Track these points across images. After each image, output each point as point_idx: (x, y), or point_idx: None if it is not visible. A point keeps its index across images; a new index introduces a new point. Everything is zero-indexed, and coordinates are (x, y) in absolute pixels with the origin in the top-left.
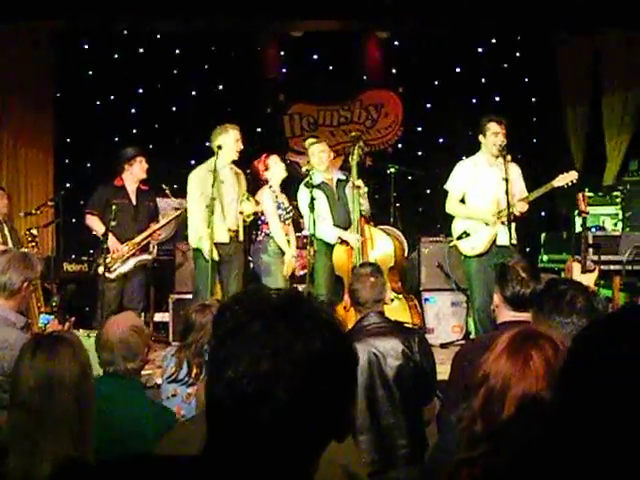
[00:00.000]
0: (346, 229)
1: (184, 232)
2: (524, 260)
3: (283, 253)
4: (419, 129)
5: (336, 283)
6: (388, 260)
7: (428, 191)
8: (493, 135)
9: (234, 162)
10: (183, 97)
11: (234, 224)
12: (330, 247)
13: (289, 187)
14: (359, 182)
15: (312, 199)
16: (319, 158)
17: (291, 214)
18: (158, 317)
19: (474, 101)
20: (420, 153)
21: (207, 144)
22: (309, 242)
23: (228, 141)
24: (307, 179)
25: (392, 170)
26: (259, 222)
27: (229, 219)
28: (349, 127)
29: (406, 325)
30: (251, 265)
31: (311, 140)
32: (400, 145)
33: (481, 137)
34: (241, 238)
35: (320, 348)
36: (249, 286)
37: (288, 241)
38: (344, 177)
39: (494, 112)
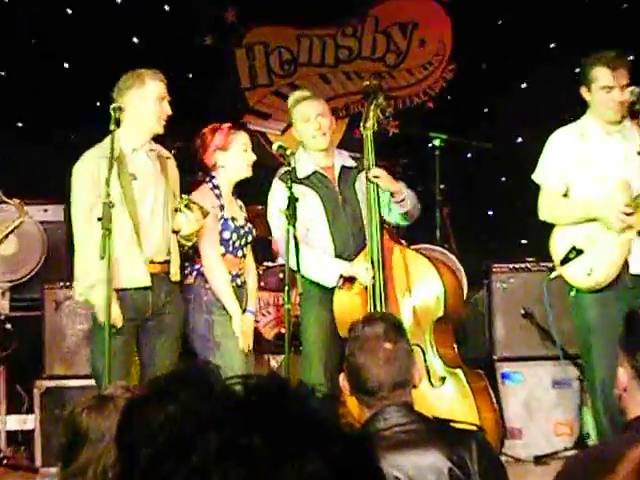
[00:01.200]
0: (357, 254)
1: (60, 268)
2: None
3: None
4: (483, 67)
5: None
6: (433, 307)
7: (503, 179)
8: (603, 90)
9: (157, 139)
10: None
11: (161, 252)
12: (328, 289)
13: (250, 183)
14: (378, 171)
15: (292, 205)
16: (315, 128)
17: (248, 238)
18: (13, 423)
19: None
20: (486, 110)
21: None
22: (287, 280)
23: (143, 99)
24: (285, 169)
25: (436, 142)
26: (190, 250)
27: (151, 243)
28: (356, 67)
29: (459, 425)
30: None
31: (298, 95)
32: (450, 97)
33: (584, 91)
34: (175, 276)
35: (320, 474)
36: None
37: (239, 286)
38: (353, 162)
39: (610, 43)
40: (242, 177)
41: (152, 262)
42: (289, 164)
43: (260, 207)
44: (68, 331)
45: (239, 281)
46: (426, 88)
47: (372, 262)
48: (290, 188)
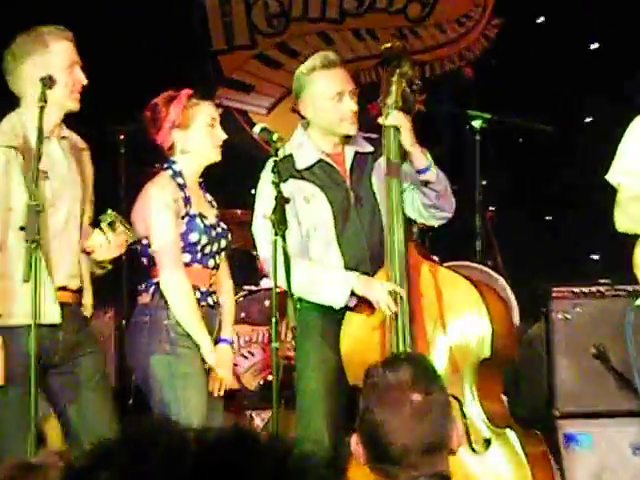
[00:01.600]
0: (375, 271)
1: None
2: None
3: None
4: (540, 20)
5: (349, 407)
6: (475, 346)
7: (566, 174)
8: None
9: (70, 121)
10: None
11: (75, 276)
12: (333, 316)
13: (225, 180)
14: (400, 116)
15: (281, 208)
16: (348, 108)
17: (222, 243)
18: None
19: None
20: (544, 80)
21: None
22: (275, 309)
23: (46, 68)
24: (274, 158)
25: (476, 124)
26: (145, 260)
27: (63, 265)
28: (368, 22)
29: None
30: (133, 370)
31: (322, 58)
32: (494, 61)
33: None
34: (88, 310)
35: None
36: (136, 422)
37: (210, 307)
38: (369, 146)
39: None
40: (210, 161)
41: (63, 289)
42: (276, 153)
43: (240, 211)
44: None
45: (211, 300)
46: (462, 50)
47: (394, 283)
48: (277, 185)
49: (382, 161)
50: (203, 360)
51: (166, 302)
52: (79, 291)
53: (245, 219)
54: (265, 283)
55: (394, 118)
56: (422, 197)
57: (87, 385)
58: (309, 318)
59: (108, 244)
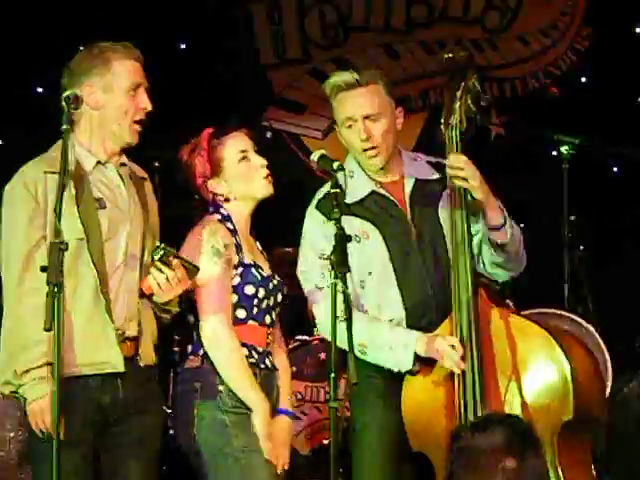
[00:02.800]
0: (439, 322)
1: None
2: None
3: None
4: (637, 31)
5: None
6: (555, 408)
7: None
8: None
9: (131, 150)
10: None
11: (134, 322)
12: (395, 379)
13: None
14: (461, 159)
15: (341, 247)
16: (361, 137)
17: (278, 297)
18: None
19: None
20: None
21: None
22: (333, 363)
23: (107, 90)
24: (325, 190)
25: (564, 150)
26: (192, 318)
27: (121, 309)
28: (439, 33)
29: None
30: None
31: (336, 79)
32: (584, 79)
33: None
34: (148, 359)
35: None
36: None
37: (268, 370)
38: (433, 173)
39: None
40: (258, 198)
41: (121, 335)
42: (336, 184)
43: (292, 250)
44: None
45: (268, 362)
46: (548, 65)
47: (462, 335)
48: (337, 220)
49: (447, 194)
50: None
51: (216, 375)
52: (136, 339)
53: (297, 258)
54: (319, 333)
55: (454, 160)
56: (489, 254)
57: (131, 452)
58: (369, 374)
59: (167, 282)
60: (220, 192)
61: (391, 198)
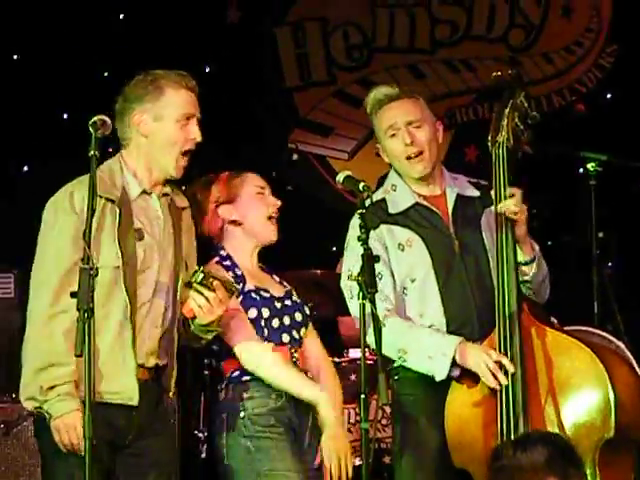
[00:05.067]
0: (484, 333)
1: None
2: None
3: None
4: None
5: None
6: (597, 425)
7: None
8: None
9: (175, 181)
10: None
11: (152, 352)
12: (436, 388)
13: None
14: (517, 195)
15: (368, 267)
16: (405, 143)
17: (297, 316)
18: None
19: None
20: None
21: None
22: (364, 383)
23: (158, 118)
24: (360, 211)
25: (591, 167)
26: (214, 360)
27: (147, 340)
28: (463, 52)
29: None
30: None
31: (378, 93)
32: (610, 96)
33: None
34: (170, 389)
35: None
36: None
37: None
38: (475, 191)
39: None
40: (264, 240)
41: (141, 366)
42: (362, 205)
43: (320, 272)
44: (25, 468)
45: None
46: (573, 82)
47: (504, 350)
48: (364, 242)
49: (490, 210)
50: (293, 452)
51: (243, 393)
52: (158, 368)
53: (325, 280)
54: (352, 353)
55: (508, 206)
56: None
57: (150, 471)
58: (408, 390)
59: (208, 304)
60: (230, 218)
61: (435, 210)
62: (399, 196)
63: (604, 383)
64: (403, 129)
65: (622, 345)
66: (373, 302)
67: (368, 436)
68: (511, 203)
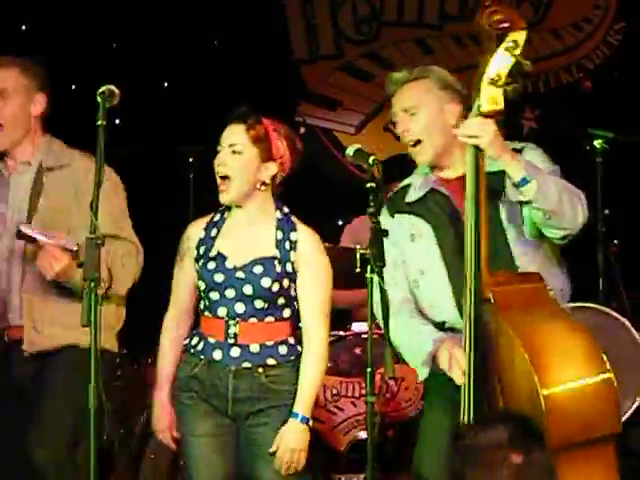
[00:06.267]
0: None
1: None
2: None
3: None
4: None
5: None
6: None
7: None
8: None
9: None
10: None
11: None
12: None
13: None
14: (482, 139)
15: (377, 242)
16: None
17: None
18: None
19: None
20: None
21: None
22: (371, 356)
23: None
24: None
25: (597, 144)
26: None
27: None
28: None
29: None
30: None
31: (397, 76)
32: (617, 73)
33: None
34: None
35: None
36: None
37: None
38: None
39: None
40: None
41: None
42: (372, 178)
43: (326, 245)
44: None
45: (220, 356)
46: (581, 59)
47: (467, 341)
48: (373, 215)
49: (511, 189)
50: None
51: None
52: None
53: (330, 254)
54: (356, 327)
55: (466, 128)
56: (534, 214)
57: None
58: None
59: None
60: (267, 174)
61: (448, 195)
62: (418, 182)
63: (535, 391)
64: (400, 115)
65: (627, 322)
66: (381, 276)
67: (374, 409)
68: (463, 128)
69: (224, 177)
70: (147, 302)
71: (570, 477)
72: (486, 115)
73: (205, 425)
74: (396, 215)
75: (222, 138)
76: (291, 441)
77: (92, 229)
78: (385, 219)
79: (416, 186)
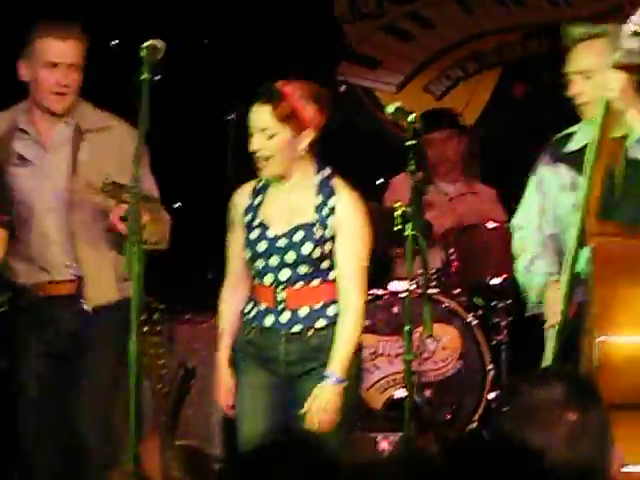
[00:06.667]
0: None
1: None
2: None
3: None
4: None
5: None
6: None
7: None
8: None
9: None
10: None
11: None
12: None
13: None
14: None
15: (416, 199)
16: None
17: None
18: None
19: None
20: None
21: None
22: (409, 314)
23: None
24: (410, 142)
25: None
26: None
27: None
28: None
29: None
30: None
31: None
32: None
33: None
34: None
35: None
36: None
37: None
38: None
39: None
40: None
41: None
42: (411, 136)
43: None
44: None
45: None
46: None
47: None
48: (413, 173)
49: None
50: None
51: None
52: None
53: (372, 213)
54: (393, 286)
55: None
56: None
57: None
58: None
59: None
60: (304, 143)
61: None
62: (579, 134)
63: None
64: (573, 77)
65: None
66: (423, 234)
67: (411, 368)
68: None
69: (263, 158)
70: (186, 258)
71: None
72: (621, 67)
73: (259, 384)
74: (552, 163)
75: (251, 121)
76: (323, 402)
77: (134, 182)
78: (541, 167)
79: (577, 137)
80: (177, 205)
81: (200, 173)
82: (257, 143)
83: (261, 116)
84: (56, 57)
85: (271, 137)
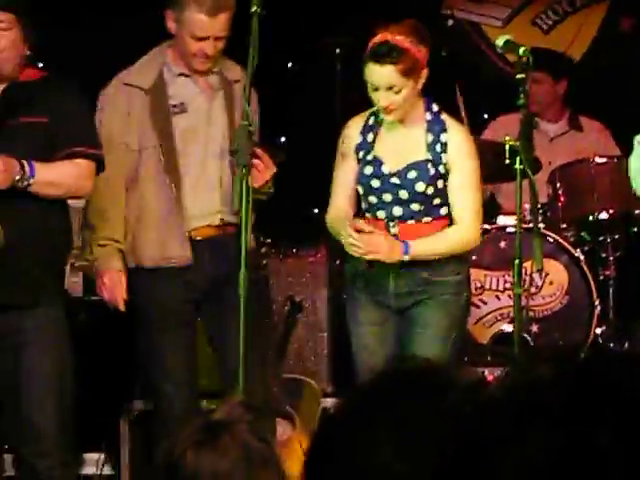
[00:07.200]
0: None
1: None
2: None
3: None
4: None
5: None
6: None
7: None
8: None
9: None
10: None
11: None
12: None
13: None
14: None
15: (526, 131)
16: None
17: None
18: (89, 466)
19: None
20: None
21: None
22: (519, 249)
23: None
24: (520, 76)
25: None
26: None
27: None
28: None
29: None
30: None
31: None
32: None
33: None
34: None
35: None
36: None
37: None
38: None
39: None
40: None
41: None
42: (522, 70)
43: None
44: None
45: None
46: None
47: None
48: (524, 106)
49: None
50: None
51: None
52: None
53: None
54: (501, 221)
55: None
56: None
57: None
58: None
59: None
60: (421, 83)
61: None
62: None
63: None
64: None
65: None
66: (530, 166)
67: (520, 302)
68: None
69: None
70: (292, 193)
71: None
72: None
73: (369, 316)
74: None
75: (374, 79)
76: (385, 249)
77: (245, 117)
78: None
79: None
80: (282, 140)
81: (305, 108)
82: (386, 100)
83: (387, 75)
84: (204, 32)
85: (398, 92)
